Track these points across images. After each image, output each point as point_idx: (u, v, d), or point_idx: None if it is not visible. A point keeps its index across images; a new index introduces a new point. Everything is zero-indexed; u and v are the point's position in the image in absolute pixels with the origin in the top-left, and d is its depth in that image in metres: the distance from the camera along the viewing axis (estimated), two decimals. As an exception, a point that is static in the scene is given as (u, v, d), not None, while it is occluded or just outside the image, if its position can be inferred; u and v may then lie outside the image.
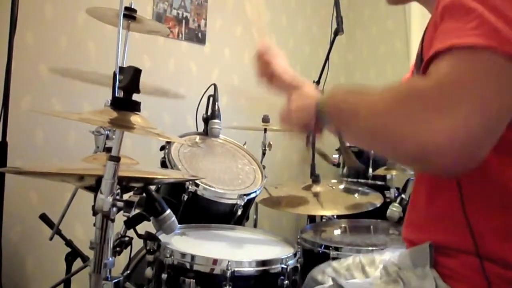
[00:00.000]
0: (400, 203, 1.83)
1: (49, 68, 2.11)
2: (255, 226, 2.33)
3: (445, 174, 0.71)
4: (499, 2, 0.64)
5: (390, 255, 1.02)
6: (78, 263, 1.72)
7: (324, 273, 1.19)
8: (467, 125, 0.61)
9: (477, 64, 0.63)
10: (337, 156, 2.77)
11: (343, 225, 1.94)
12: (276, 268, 1.25)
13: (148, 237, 1.21)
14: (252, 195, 1.71)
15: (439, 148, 0.62)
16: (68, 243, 1.72)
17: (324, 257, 1.54)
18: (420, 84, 0.67)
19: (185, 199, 1.61)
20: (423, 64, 0.69)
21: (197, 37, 2.75)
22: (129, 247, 1.30)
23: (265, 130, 2.25)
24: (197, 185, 1.60)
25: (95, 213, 0.96)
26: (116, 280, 1.01)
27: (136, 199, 1.03)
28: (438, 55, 0.66)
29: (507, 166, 0.73)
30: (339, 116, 0.79)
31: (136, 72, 0.95)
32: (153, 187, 1.18)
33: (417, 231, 0.89)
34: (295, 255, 1.32)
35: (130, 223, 1.08)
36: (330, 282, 1.05)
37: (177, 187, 1.64)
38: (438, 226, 0.83)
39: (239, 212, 1.66)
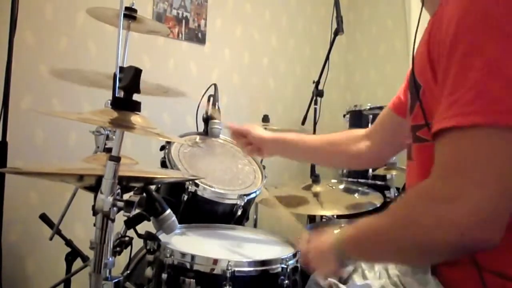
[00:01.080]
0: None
1: (49, 70, 2.11)
2: (255, 226, 2.33)
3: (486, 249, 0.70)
4: (499, 53, 0.64)
5: None
6: (78, 263, 1.72)
7: (325, 276, 1.19)
8: (478, 210, 0.62)
9: (477, 145, 0.64)
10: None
11: (343, 225, 1.94)
12: (276, 268, 1.25)
13: (148, 237, 1.21)
14: (252, 195, 1.71)
15: (454, 235, 0.64)
16: (68, 243, 1.72)
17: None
18: (422, 184, 0.69)
19: (185, 199, 1.61)
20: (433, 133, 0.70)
21: (197, 37, 2.76)
22: (129, 247, 1.30)
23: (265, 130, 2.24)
24: (197, 185, 1.60)
25: (95, 213, 0.96)
26: (116, 280, 1.01)
27: (136, 199, 1.03)
28: (440, 133, 0.68)
29: None
30: (359, 249, 0.82)
31: (136, 72, 0.95)
32: (153, 187, 1.18)
33: None
34: (295, 255, 1.32)
35: (130, 223, 1.08)
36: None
37: (177, 187, 1.64)
38: None
39: (239, 212, 1.66)
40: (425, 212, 0.67)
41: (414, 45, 0.84)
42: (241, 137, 1.41)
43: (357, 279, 1.12)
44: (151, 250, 1.25)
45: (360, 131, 1.31)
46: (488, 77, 0.64)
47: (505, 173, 0.63)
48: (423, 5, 0.87)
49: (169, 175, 1.51)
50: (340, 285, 0.98)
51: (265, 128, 2.22)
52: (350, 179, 2.69)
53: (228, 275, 1.18)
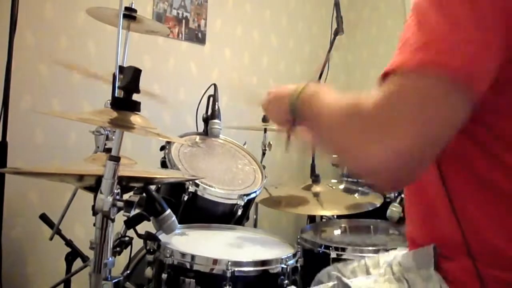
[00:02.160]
0: (400, 203, 1.83)
1: (52, 61, 2.11)
2: (255, 226, 2.33)
3: (385, 190, 0.74)
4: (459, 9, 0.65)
5: (395, 255, 1.02)
6: (78, 263, 1.72)
7: (330, 276, 1.19)
8: (400, 150, 0.64)
9: (414, 88, 0.65)
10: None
11: (343, 225, 1.94)
12: (276, 268, 1.25)
13: (148, 237, 1.21)
14: (252, 195, 1.71)
15: (375, 170, 0.67)
16: (68, 243, 1.72)
17: (324, 257, 1.54)
18: (364, 106, 0.70)
19: (185, 199, 1.61)
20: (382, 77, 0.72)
21: (197, 37, 2.75)
22: (129, 247, 1.30)
23: (265, 130, 2.25)
24: (197, 185, 1.60)
25: (95, 213, 0.96)
26: (116, 280, 1.01)
27: (136, 199, 1.03)
28: (387, 74, 0.69)
29: (494, 165, 0.73)
30: (308, 113, 0.84)
31: (136, 72, 0.95)
32: (153, 187, 1.18)
33: (416, 229, 0.89)
34: (295, 255, 1.32)
35: (130, 223, 1.08)
36: (334, 281, 1.06)
37: (177, 187, 1.64)
38: (431, 223, 0.83)
39: (239, 212, 1.66)
40: (362, 129, 0.69)
41: None
42: None
43: (360, 275, 1.12)
44: (151, 250, 1.25)
45: None
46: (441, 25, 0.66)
47: (432, 121, 0.65)
48: None
49: (169, 175, 1.51)
50: (344, 279, 0.98)
51: (265, 128, 2.23)
52: (350, 179, 2.69)
53: (228, 275, 1.19)
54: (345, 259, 1.47)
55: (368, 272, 1.12)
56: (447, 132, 0.67)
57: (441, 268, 0.80)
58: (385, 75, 0.69)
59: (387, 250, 1.31)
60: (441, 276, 0.79)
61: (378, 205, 1.79)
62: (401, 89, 0.66)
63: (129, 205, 0.98)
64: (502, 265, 0.74)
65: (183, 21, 2.68)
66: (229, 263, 1.19)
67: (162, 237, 1.28)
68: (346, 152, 0.72)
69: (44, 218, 1.70)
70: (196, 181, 1.60)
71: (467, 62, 0.63)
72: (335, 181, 2.18)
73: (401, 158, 0.64)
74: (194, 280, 1.20)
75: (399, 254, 0.99)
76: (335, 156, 0.76)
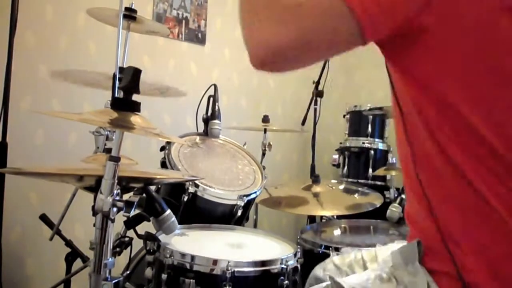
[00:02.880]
0: (400, 203, 1.83)
1: (49, 72, 2.11)
2: (255, 226, 2.33)
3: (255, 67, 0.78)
4: None
5: (392, 249, 1.02)
6: (78, 263, 1.72)
7: (325, 270, 1.20)
8: (282, 39, 0.68)
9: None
10: (336, 156, 2.77)
11: (343, 225, 1.94)
12: (276, 268, 1.25)
13: (148, 237, 1.21)
14: (252, 196, 1.71)
15: (253, 46, 0.73)
16: (68, 243, 1.72)
17: (324, 257, 1.53)
18: None
19: (185, 199, 1.61)
20: None
21: (197, 37, 2.76)
22: (129, 248, 1.30)
23: (265, 130, 2.25)
24: (197, 185, 1.60)
25: (95, 213, 0.96)
26: (116, 281, 1.01)
27: (136, 199, 1.03)
28: None
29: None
30: None
31: (136, 73, 0.95)
32: (153, 188, 1.18)
33: (412, 227, 0.89)
34: (295, 255, 1.32)
35: (130, 224, 1.08)
36: (328, 281, 1.06)
37: (177, 188, 1.64)
38: (419, 224, 0.83)
39: (239, 213, 1.66)
40: (252, 14, 0.73)
41: None
42: None
43: (358, 270, 1.12)
44: (151, 250, 1.25)
45: None
46: None
47: (315, 26, 0.67)
48: None
49: (169, 175, 1.51)
50: (336, 278, 0.98)
51: (265, 128, 2.23)
52: (350, 180, 2.69)
53: (228, 275, 1.18)
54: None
55: (365, 267, 1.12)
56: (323, 46, 0.70)
57: (427, 262, 0.81)
58: None
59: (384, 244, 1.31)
60: (425, 269, 0.79)
61: (378, 205, 1.79)
62: None
63: (129, 205, 0.98)
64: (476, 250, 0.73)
65: (183, 21, 2.68)
66: (229, 263, 1.19)
67: (162, 237, 1.28)
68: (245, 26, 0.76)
69: (44, 218, 1.70)
70: (196, 182, 1.60)
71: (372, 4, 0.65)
72: (335, 181, 2.18)
73: (281, 45, 0.69)
74: (194, 281, 1.20)
75: (396, 246, 0.99)
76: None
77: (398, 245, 1.01)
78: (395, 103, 0.80)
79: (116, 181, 0.94)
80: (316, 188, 1.90)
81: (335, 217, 2.06)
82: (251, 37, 0.74)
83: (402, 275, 0.84)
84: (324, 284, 1.05)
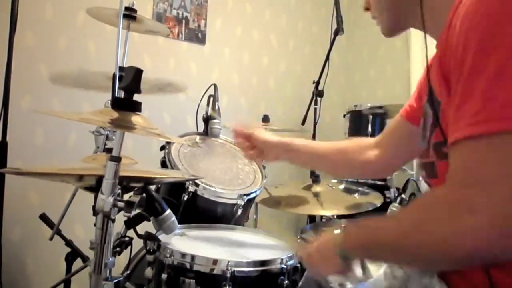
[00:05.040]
0: (400, 203, 1.83)
1: (49, 75, 2.11)
2: (255, 226, 2.33)
3: (498, 260, 0.68)
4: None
5: None
6: (78, 263, 1.72)
7: None
8: (500, 220, 0.61)
9: (492, 153, 0.63)
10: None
11: (343, 225, 1.94)
12: (276, 268, 1.25)
13: (148, 237, 1.21)
14: (252, 195, 1.71)
15: (473, 247, 0.62)
16: (68, 243, 1.72)
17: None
18: (439, 192, 0.69)
19: (185, 199, 1.61)
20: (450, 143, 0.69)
21: (197, 37, 2.75)
22: (129, 247, 1.30)
23: (265, 130, 2.24)
24: (197, 185, 1.60)
25: (95, 213, 0.96)
26: (116, 280, 1.01)
27: (136, 199, 1.03)
28: (453, 145, 0.67)
29: None
30: (364, 252, 0.81)
31: (137, 73, 0.95)
32: (153, 187, 1.18)
33: None
34: (295, 255, 1.32)
35: (130, 223, 1.08)
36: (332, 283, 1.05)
37: (177, 187, 1.64)
38: None
39: (239, 212, 1.66)
40: (443, 219, 0.65)
41: (426, 58, 0.84)
42: (244, 140, 1.35)
43: (356, 269, 1.12)
44: (151, 250, 1.25)
45: (369, 140, 1.28)
46: (495, 82, 0.62)
47: None
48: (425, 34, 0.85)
49: (169, 175, 1.51)
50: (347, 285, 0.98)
51: (265, 128, 2.22)
52: (350, 179, 2.69)
53: (228, 275, 1.18)
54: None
55: (363, 265, 1.11)
56: None
57: (449, 279, 0.79)
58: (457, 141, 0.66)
59: None
60: (444, 284, 0.78)
61: (378, 205, 1.79)
62: (477, 156, 0.64)
63: (129, 205, 0.98)
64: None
65: (183, 21, 2.68)
66: (229, 263, 1.19)
67: (162, 237, 1.27)
68: (438, 244, 0.66)
69: (44, 218, 1.70)
70: (196, 181, 1.60)
71: None
72: (335, 181, 2.18)
73: (499, 222, 0.61)
74: (194, 281, 1.20)
75: None
76: (425, 259, 0.70)
77: None
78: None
79: (117, 181, 0.94)
80: (316, 188, 1.90)
81: (335, 217, 2.06)
82: (467, 240, 0.63)
83: (414, 286, 0.83)
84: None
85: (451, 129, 0.68)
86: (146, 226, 1.15)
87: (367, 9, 0.98)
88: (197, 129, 1.99)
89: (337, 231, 0.86)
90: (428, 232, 0.67)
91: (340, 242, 0.84)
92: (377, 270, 1.07)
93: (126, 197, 1.04)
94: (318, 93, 2.56)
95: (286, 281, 1.25)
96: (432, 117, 0.83)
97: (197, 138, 1.87)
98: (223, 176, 1.73)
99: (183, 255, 1.24)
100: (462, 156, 0.66)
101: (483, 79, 0.63)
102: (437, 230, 0.65)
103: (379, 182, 2.58)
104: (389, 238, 0.73)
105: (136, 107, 0.96)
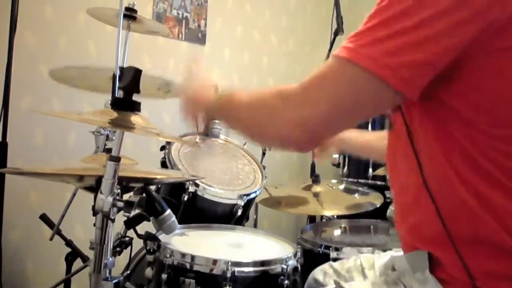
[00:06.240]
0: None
1: (49, 71, 2.12)
2: (255, 226, 2.33)
3: (298, 151, 0.84)
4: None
5: (390, 255, 1.02)
6: (78, 263, 1.72)
7: (325, 274, 1.20)
8: (318, 116, 0.75)
9: (336, 73, 0.76)
10: (337, 156, 2.77)
11: (343, 225, 1.94)
12: (276, 268, 1.25)
13: (148, 237, 1.21)
14: (252, 195, 1.71)
15: (290, 134, 0.77)
16: (68, 243, 1.72)
17: (324, 257, 1.54)
18: (289, 88, 0.82)
19: (185, 199, 1.61)
20: None
21: (197, 37, 2.75)
22: (129, 247, 1.30)
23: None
24: (197, 185, 1.60)
25: (95, 213, 0.96)
26: (116, 280, 1.01)
27: (136, 199, 1.03)
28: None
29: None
30: (224, 113, 0.95)
31: (136, 73, 0.95)
32: (153, 187, 1.18)
33: (403, 226, 0.89)
34: (295, 255, 1.32)
35: (130, 223, 1.08)
36: (332, 285, 1.06)
37: (177, 187, 1.64)
38: (414, 217, 0.84)
39: (239, 213, 1.66)
40: (273, 104, 0.82)
41: None
42: None
43: (356, 276, 1.12)
44: (151, 250, 1.25)
45: None
46: (379, 27, 0.71)
47: (341, 103, 0.75)
48: None
49: (169, 175, 1.51)
50: (342, 283, 0.98)
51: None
52: (350, 179, 2.69)
53: (228, 275, 1.19)
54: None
55: (363, 273, 1.12)
56: (362, 114, 0.79)
57: (438, 271, 0.80)
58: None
59: (384, 250, 1.31)
60: (436, 279, 0.79)
61: (378, 205, 1.79)
62: (335, 73, 0.77)
63: (129, 205, 0.98)
64: (486, 253, 0.74)
65: (183, 21, 2.68)
66: (229, 263, 1.19)
67: (162, 237, 1.27)
68: (264, 124, 0.83)
69: (44, 218, 1.70)
70: (196, 181, 1.60)
71: (405, 75, 0.70)
72: (335, 181, 2.18)
73: (317, 122, 0.76)
74: (194, 281, 1.20)
75: (394, 255, 0.99)
76: (250, 132, 0.87)
77: (395, 253, 1.01)
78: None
79: (116, 181, 0.94)
80: (316, 188, 1.90)
81: (335, 217, 2.05)
82: (278, 129, 0.80)
83: (410, 282, 0.84)
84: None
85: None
86: (146, 226, 1.15)
87: None
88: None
89: (218, 88, 1.01)
90: (261, 110, 0.85)
91: (217, 98, 0.95)
92: (373, 274, 1.07)
93: (126, 197, 1.04)
94: (318, 93, 2.56)
95: (286, 281, 1.25)
96: None
97: (197, 138, 1.87)
98: (223, 176, 1.73)
99: (183, 255, 1.24)
100: (324, 65, 0.78)
101: (383, 15, 0.72)
102: (269, 113, 0.82)
103: (379, 182, 2.58)
104: (240, 108, 0.90)
105: (135, 107, 0.96)
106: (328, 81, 0.76)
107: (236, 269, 1.20)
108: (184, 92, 1.05)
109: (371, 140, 1.38)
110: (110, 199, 0.93)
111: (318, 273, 1.22)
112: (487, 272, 0.74)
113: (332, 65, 0.76)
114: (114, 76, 1.48)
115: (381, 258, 1.12)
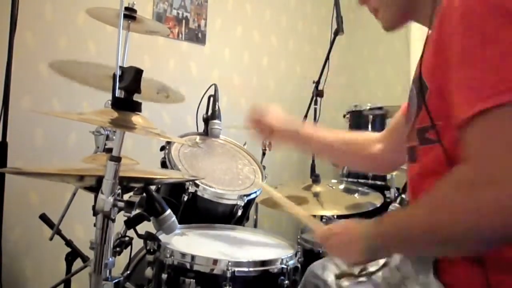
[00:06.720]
0: (400, 203, 1.83)
1: (49, 64, 2.12)
2: (255, 226, 2.33)
3: None
4: None
5: (393, 257, 1.02)
6: (78, 263, 1.72)
7: (324, 268, 1.19)
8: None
9: (505, 125, 0.63)
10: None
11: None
12: (276, 268, 1.25)
13: (148, 237, 1.21)
14: (252, 196, 1.71)
15: (499, 218, 0.62)
16: (68, 243, 1.72)
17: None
18: (459, 171, 0.68)
19: (185, 199, 1.61)
20: (458, 124, 0.69)
21: (197, 37, 2.75)
22: (129, 247, 1.30)
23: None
24: (197, 185, 1.60)
25: (95, 213, 0.96)
26: (116, 280, 1.01)
27: (136, 199, 1.03)
28: (465, 123, 0.67)
29: None
30: (393, 243, 0.80)
31: (137, 73, 0.95)
32: (153, 187, 1.18)
33: None
34: (295, 255, 1.32)
35: (131, 223, 1.08)
36: (331, 277, 1.05)
37: (177, 188, 1.64)
38: None
39: (239, 213, 1.66)
40: (465, 198, 0.65)
41: (424, 48, 0.83)
42: (254, 125, 1.38)
43: (356, 270, 1.12)
44: (151, 250, 1.25)
45: (376, 134, 1.30)
46: (505, 59, 0.63)
47: None
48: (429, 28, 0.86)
49: (169, 175, 1.51)
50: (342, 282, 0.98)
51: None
52: (350, 179, 2.69)
53: (228, 275, 1.18)
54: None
55: (364, 267, 1.11)
56: None
57: (443, 272, 0.79)
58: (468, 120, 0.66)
59: None
60: (440, 283, 0.78)
61: (378, 205, 1.79)
62: (495, 130, 0.64)
63: (129, 205, 0.98)
64: (508, 269, 0.72)
65: (183, 21, 2.68)
66: (229, 263, 1.19)
67: (162, 237, 1.28)
68: (467, 222, 0.66)
69: (44, 218, 1.70)
70: (196, 182, 1.60)
71: None
72: (335, 181, 2.18)
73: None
74: (194, 280, 1.20)
75: (397, 256, 0.98)
76: (447, 240, 0.70)
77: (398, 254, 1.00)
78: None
79: (117, 181, 0.94)
80: (316, 188, 1.89)
81: (335, 217, 2.05)
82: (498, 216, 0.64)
83: (413, 285, 0.83)
84: None
85: (457, 109, 0.68)
86: (146, 226, 1.15)
87: (364, 2, 0.97)
88: (197, 129, 1.99)
89: (364, 222, 0.85)
90: (453, 213, 0.67)
91: (367, 234, 0.82)
92: (375, 268, 1.07)
93: (126, 197, 1.04)
94: (318, 93, 2.56)
95: (286, 281, 1.25)
96: (416, 101, 0.83)
97: (197, 138, 1.87)
98: (223, 176, 1.73)
99: (183, 255, 1.24)
100: (474, 132, 0.66)
101: (491, 58, 0.64)
102: (462, 210, 0.65)
103: (379, 182, 2.58)
104: (422, 225, 0.72)
105: (136, 107, 0.96)
106: (499, 139, 0.64)
107: (236, 269, 1.20)
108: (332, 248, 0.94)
109: (332, 142, 1.32)
110: (111, 199, 0.93)
111: (317, 267, 1.22)
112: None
113: (489, 124, 0.65)
114: (114, 76, 1.48)
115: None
